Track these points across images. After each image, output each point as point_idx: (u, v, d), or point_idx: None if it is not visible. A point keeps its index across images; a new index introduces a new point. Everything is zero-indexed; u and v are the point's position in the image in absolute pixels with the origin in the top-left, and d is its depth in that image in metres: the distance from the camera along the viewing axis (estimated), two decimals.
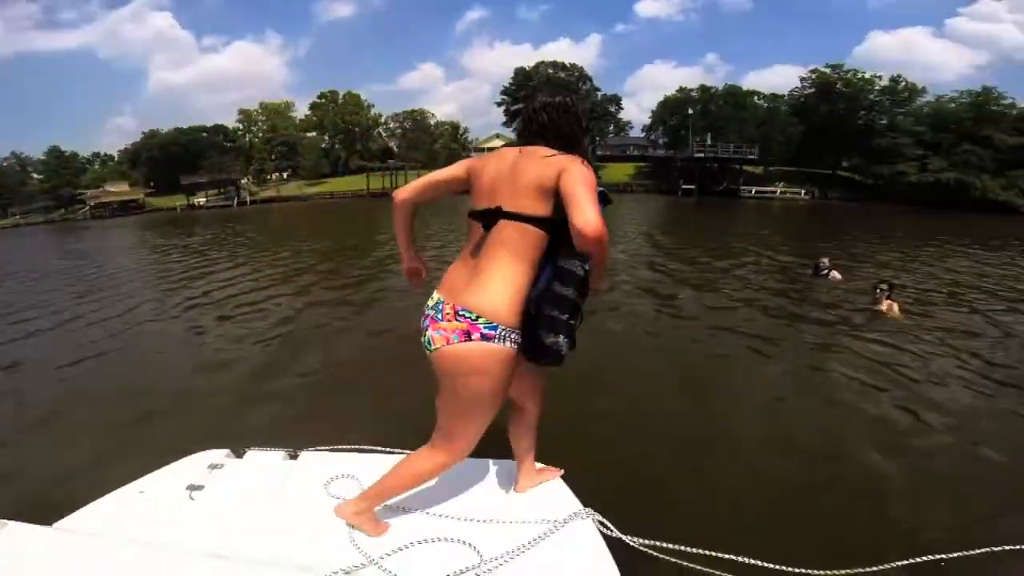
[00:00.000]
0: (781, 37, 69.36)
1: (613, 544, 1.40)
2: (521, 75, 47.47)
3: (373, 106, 53.97)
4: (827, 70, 39.12)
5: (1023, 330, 5.67)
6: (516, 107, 47.21)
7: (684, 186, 37.57)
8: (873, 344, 5.13)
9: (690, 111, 41.87)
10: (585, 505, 1.54)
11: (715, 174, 37.86)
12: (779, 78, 72.86)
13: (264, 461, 1.88)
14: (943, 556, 1.66)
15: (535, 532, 1.40)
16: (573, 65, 47.57)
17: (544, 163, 1.36)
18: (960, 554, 1.70)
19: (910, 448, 3.16)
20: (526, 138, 1.50)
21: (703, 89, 43.92)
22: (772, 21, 67.43)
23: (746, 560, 1.42)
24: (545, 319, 1.35)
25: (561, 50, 64.12)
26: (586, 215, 1.22)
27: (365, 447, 1.97)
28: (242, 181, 44.17)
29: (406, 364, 4.43)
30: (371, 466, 1.75)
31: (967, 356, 4.77)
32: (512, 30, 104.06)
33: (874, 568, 1.51)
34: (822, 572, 1.44)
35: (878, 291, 6.23)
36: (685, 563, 1.41)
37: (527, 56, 65.30)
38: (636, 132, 53.25)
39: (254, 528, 1.51)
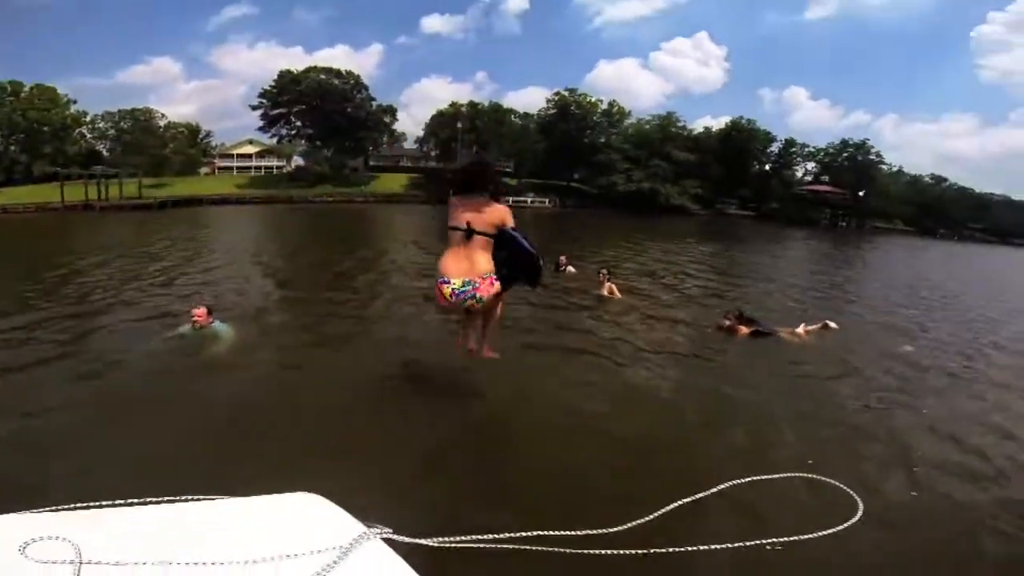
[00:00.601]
0: (537, 60, 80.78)
1: (409, 552, 1.38)
2: (287, 78, 43.51)
3: (75, 102, 42.40)
4: (566, 93, 46.09)
5: (696, 300, 7.98)
6: (277, 112, 43.83)
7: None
8: (597, 322, 6.43)
9: (459, 125, 44.41)
10: (368, 523, 1.47)
11: None
12: (532, 98, 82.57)
13: None
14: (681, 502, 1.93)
15: (321, 563, 1.30)
16: (349, 73, 44.99)
17: (492, 212, 3.20)
18: (692, 499, 1.98)
19: (631, 412, 4.08)
20: (467, 191, 3.26)
21: (472, 105, 46.91)
22: (532, 45, 77.55)
23: (540, 533, 1.53)
24: (533, 257, 3.38)
25: (337, 57, 60.14)
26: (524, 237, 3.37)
27: (71, 505, 1.60)
28: None
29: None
30: (80, 522, 1.42)
31: (662, 325, 6.48)
32: (282, 31, 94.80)
33: (627, 525, 1.70)
34: (593, 532, 1.56)
35: (600, 274, 7.78)
36: (484, 546, 1.48)
37: (298, 59, 59.12)
38: (409, 144, 54.28)
39: None
